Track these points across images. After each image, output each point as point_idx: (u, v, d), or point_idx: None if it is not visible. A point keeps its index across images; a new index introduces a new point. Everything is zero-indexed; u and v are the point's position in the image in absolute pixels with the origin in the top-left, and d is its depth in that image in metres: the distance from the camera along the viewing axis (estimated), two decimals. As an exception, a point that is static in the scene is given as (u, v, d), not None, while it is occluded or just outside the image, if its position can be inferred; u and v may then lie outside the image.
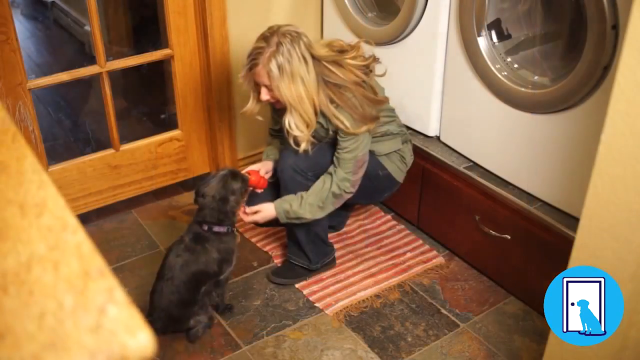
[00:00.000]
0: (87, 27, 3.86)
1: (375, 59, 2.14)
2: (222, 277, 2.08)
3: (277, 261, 2.43)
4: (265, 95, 2.01)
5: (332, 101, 2.00)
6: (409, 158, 2.31)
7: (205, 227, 2.02)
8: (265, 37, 1.96)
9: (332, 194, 2.08)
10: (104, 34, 3.31)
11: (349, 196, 2.14)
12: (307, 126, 2.02)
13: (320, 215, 2.12)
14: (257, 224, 2.30)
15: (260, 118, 2.23)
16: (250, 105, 2.13)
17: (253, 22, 2.63)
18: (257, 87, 2.05)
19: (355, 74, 2.03)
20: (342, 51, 2.06)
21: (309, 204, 2.09)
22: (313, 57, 1.97)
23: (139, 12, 3.71)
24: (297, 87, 1.94)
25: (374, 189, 2.20)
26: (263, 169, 2.26)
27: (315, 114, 2.01)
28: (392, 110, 2.27)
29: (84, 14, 3.84)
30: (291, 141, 2.06)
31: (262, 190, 2.22)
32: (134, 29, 3.71)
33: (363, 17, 2.55)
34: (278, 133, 2.33)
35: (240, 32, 2.61)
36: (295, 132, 2.02)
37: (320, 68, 1.98)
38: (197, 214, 2.05)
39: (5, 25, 2.18)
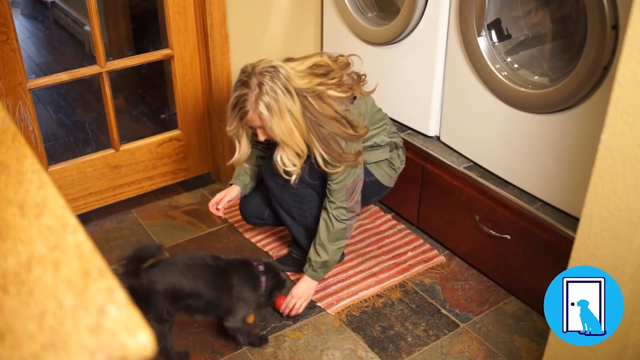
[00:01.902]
0: (87, 27, 3.87)
1: (362, 80, 2.08)
2: (228, 323, 1.98)
3: (282, 252, 2.45)
4: (262, 135, 1.98)
5: (311, 132, 1.96)
6: (399, 164, 2.29)
7: (256, 264, 2.01)
8: (243, 83, 1.91)
9: (336, 228, 2.09)
10: (104, 34, 3.32)
11: (353, 220, 2.13)
12: (300, 158, 1.98)
13: (343, 244, 2.15)
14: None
15: (246, 165, 2.22)
16: (244, 151, 2.08)
17: (253, 22, 2.64)
18: (251, 130, 2.03)
19: (334, 108, 1.95)
20: (326, 73, 1.97)
21: (324, 248, 2.11)
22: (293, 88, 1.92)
23: (139, 11, 3.71)
24: (286, 121, 1.90)
25: (361, 195, 2.19)
26: (228, 196, 2.22)
27: (305, 142, 1.97)
28: (382, 119, 2.23)
29: (84, 14, 3.85)
30: (281, 172, 2.02)
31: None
32: (134, 29, 3.71)
33: (363, 17, 2.55)
34: (254, 145, 2.27)
35: (241, 32, 2.61)
36: (289, 168, 1.99)
37: (300, 97, 1.92)
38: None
39: (5, 25, 2.18)
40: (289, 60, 2.00)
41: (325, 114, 1.93)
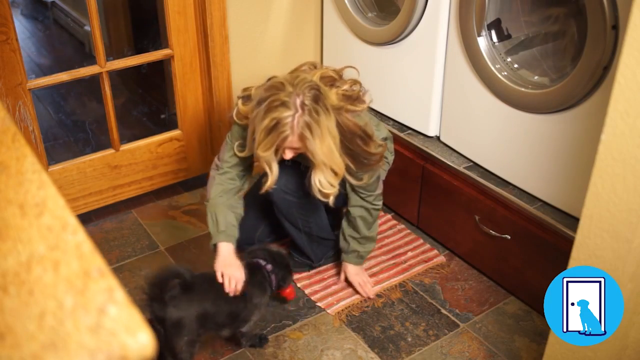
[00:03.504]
0: (87, 27, 3.87)
1: (362, 90, 1.98)
2: (244, 329, 1.99)
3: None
4: (290, 154, 1.84)
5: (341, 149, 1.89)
6: (391, 157, 2.30)
7: (264, 264, 2.01)
8: (284, 103, 1.74)
9: (374, 217, 2.16)
10: (104, 33, 3.32)
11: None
12: (337, 177, 1.87)
13: (377, 225, 2.23)
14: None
15: (220, 208, 2.01)
16: (275, 174, 1.89)
17: (253, 22, 2.64)
18: (279, 152, 1.85)
19: (353, 122, 1.88)
20: (333, 85, 1.91)
21: (368, 239, 2.20)
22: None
23: (139, 11, 3.71)
24: (327, 142, 1.78)
25: None
26: (234, 272, 1.93)
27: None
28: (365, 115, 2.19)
29: (84, 14, 3.85)
30: (318, 196, 1.90)
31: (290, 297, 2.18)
32: (134, 29, 3.71)
33: (363, 17, 2.55)
34: (238, 160, 2.04)
35: (241, 32, 2.61)
36: (327, 190, 1.86)
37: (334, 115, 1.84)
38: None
39: (5, 25, 2.18)
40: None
41: (350, 128, 1.87)
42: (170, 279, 1.81)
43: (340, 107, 1.86)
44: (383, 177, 2.28)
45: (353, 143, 1.89)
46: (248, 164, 2.08)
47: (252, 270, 1.98)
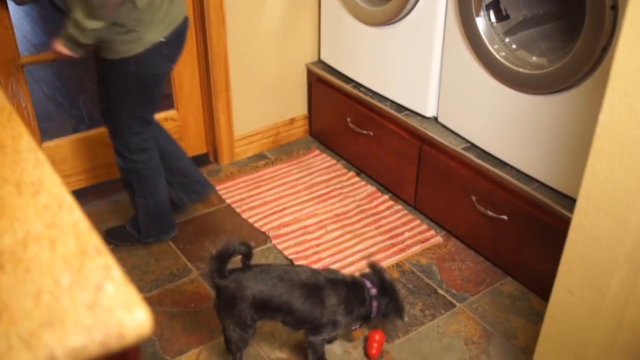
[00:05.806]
0: (82, 6, 3.83)
1: None
2: (312, 339, 1.82)
3: (278, 233, 2.44)
4: None
5: None
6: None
7: (369, 286, 1.82)
8: None
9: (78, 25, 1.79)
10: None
11: (96, 24, 1.79)
12: None
13: (97, 26, 1.81)
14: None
15: None
16: None
17: (250, 3, 2.62)
18: None
19: None
20: None
21: (76, 24, 1.80)
22: None
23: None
24: None
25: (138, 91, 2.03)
26: None
27: None
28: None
29: (79, -7, 3.81)
30: None
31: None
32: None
33: (361, -3, 2.53)
34: None
35: (238, 12, 2.59)
36: None
37: None
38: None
39: (-4, 2, 2.16)
40: None
41: None
42: (232, 252, 1.73)
43: None
44: (128, 52, 1.94)
45: None
46: None
47: (350, 285, 1.82)
